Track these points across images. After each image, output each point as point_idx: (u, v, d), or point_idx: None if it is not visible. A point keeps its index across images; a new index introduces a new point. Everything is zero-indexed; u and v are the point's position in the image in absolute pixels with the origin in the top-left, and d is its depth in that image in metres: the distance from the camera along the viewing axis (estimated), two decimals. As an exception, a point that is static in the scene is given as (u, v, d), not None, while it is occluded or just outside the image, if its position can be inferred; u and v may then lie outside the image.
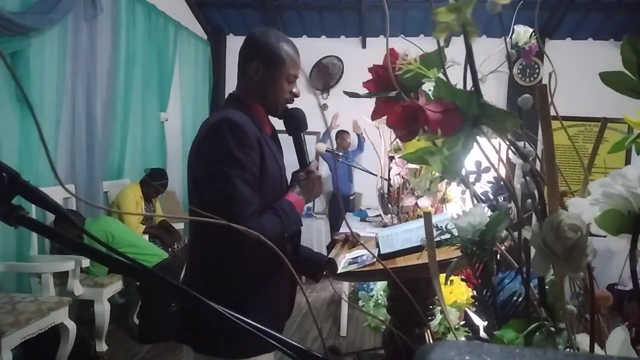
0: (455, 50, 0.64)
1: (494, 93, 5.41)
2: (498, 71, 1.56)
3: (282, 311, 1.48)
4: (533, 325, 0.48)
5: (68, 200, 3.63)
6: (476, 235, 0.59)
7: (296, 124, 1.46)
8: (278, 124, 1.50)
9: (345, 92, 0.69)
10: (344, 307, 3.96)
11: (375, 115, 0.75)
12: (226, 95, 5.15)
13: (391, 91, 0.68)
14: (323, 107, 5.84)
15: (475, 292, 0.66)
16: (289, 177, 1.48)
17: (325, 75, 5.81)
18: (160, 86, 4.92)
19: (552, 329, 0.49)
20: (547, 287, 0.48)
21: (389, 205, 2.03)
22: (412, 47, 0.63)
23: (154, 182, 4.13)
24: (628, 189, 0.45)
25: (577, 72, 5.13)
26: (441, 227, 0.64)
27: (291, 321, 4.26)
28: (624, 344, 0.50)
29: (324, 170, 5.70)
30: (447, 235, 0.68)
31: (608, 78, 0.42)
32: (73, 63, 3.68)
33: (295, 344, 0.50)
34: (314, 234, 5.20)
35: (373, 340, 3.68)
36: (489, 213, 0.67)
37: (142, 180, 4.16)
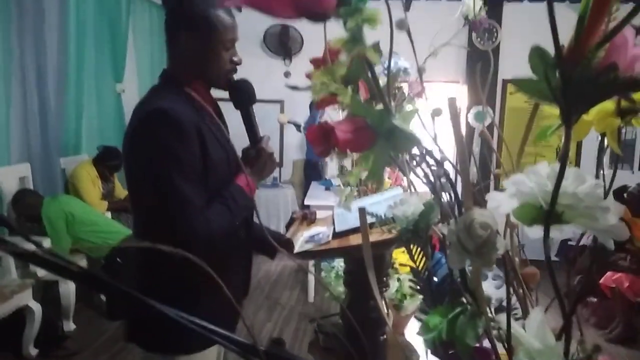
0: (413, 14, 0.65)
1: (454, 57, 5.46)
2: (451, 44, 1.58)
3: (238, 294, 1.44)
4: (456, 311, 0.52)
5: (24, 180, 3.52)
6: (410, 224, 0.63)
7: (243, 97, 1.34)
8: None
9: (287, 86, 0.69)
10: (311, 277, 4.06)
11: (320, 105, 0.76)
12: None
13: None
14: (286, 75, 5.76)
15: (413, 275, 0.70)
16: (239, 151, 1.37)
17: (287, 41, 5.70)
18: (114, 56, 4.72)
19: (475, 312, 0.54)
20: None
21: (349, 179, 2.07)
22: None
23: (106, 162, 4.02)
24: (539, 186, 0.48)
25: (534, 34, 5.21)
26: (378, 215, 0.67)
27: (259, 290, 4.35)
28: (541, 325, 0.55)
29: (293, 137, 5.65)
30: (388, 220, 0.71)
31: (520, 84, 0.45)
32: (19, 37, 3.50)
33: (239, 339, 0.53)
34: (280, 203, 5.23)
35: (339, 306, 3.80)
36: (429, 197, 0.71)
37: (95, 159, 4.05)
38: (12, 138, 3.49)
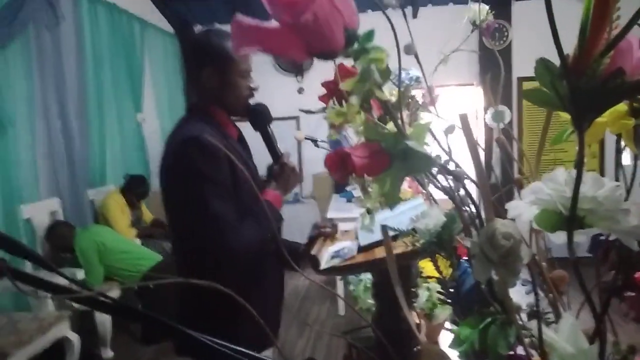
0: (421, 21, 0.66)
1: (466, 59, 5.43)
2: (461, 49, 1.58)
3: (276, 309, 1.52)
4: (486, 321, 0.53)
5: (55, 214, 3.62)
6: (433, 237, 0.64)
7: (260, 119, 1.46)
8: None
9: (301, 110, 0.72)
10: (340, 286, 4.05)
11: (335, 128, 0.79)
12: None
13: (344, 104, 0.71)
14: (299, 91, 5.82)
15: (440, 286, 0.70)
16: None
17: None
18: (132, 87, 4.86)
19: (505, 321, 0.54)
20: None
21: (369, 190, 2.08)
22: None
23: (134, 190, 4.13)
24: (558, 193, 0.49)
25: (545, 28, 5.15)
26: (400, 229, 0.68)
27: (289, 306, 4.35)
28: (573, 329, 0.55)
29: (312, 152, 5.66)
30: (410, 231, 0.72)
31: (529, 95, 0.46)
32: (40, 74, 3.63)
33: (264, 358, 0.54)
34: (302, 218, 5.25)
35: (370, 317, 3.77)
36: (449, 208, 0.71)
37: (122, 188, 4.15)
38: (40, 174, 3.61)
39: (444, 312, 1.55)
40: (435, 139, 0.43)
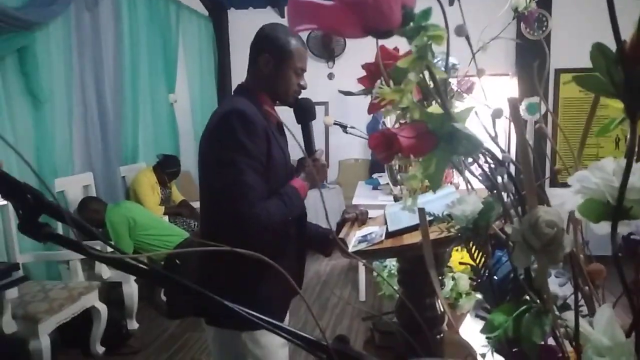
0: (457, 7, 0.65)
1: (503, 48, 5.31)
2: (500, 37, 1.54)
3: (289, 291, 1.55)
4: (521, 308, 0.52)
5: (87, 188, 3.73)
6: (470, 223, 0.63)
7: (305, 114, 1.55)
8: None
9: (341, 91, 0.72)
10: (362, 272, 4.06)
11: (372, 109, 0.78)
12: (232, 71, 5.11)
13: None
14: (329, 76, 5.80)
15: (473, 274, 0.70)
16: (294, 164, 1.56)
17: (330, 44, 5.73)
18: (166, 68, 4.93)
19: (541, 309, 0.54)
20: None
21: (398, 177, 2.07)
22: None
23: (166, 169, 4.21)
24: (605, 182, 0.48)
25: (587, 21, 4.99)
26: (435, 214, 0.68)
27: (310, 289, 4.40)
28: (610, 321, 0.54)
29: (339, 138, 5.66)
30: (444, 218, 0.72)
31: (583, 81, 0.45)
32: (79, 53, 3.71)
33: (305, 335, 0.55)
34: (328, 203, 5.26)
35: (391, 304, 3.78)
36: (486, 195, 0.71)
37: (155, 167, 4.25)
38: (74, 149, 3.71)
39: (468, 302, 1.55)
40: (481, 123, 0.43)
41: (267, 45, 1.47)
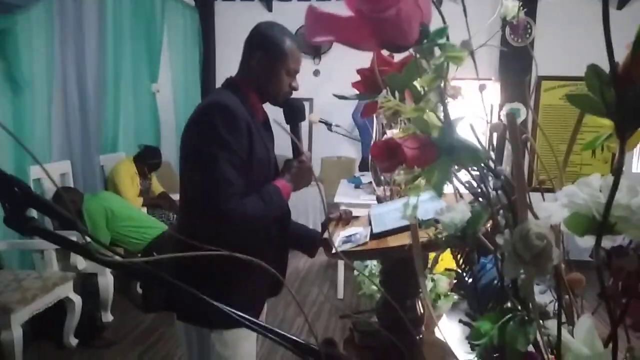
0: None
1: (486, 54, 5.38)
2: (487, 45, 1.57)
3: (266, 289, 1.56)
4: (506, 317, 0.54)
5: (65, 176, 3.66)
6: (458, 231, 0.65)
7: (295, 114, 1.52)
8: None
9: (335, 95, 0.72)
10: (341, 270, 4.08)
11: (365, 114, 0.79)
12: (217, 63, 5.04)
13: (378, 92, 0.71)
14: (315, 73, 5.79)
15: (457, 280, 0.71)
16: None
17: (317, 40, 5.72)
18: (149, 57, 4.86)
19: (525, 318, 0.55)
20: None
21: (382, 178, 2.09)
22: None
23: (147, 160, 4.15)
24: (592, 198, 0.50)
25: (570, 30, 5.09)
26: (422, 219, 0.69)
27: (289, 286, 4.40)
28: (589, 332, 0.56)
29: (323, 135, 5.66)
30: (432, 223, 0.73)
31: (575, 100, 0.46)
32: (61, 39, 3.63)
33: (294, 337, 0.56)
34: (309, 200, 5.27)
35: (369, 303, 3.81)
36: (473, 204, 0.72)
37: (136, 157, 4.18)
38: (53, 136, 3.63)
39: (446, 304, 1.57)
40: (476, 137, 0.44)
41: (261, 43, 1.46)
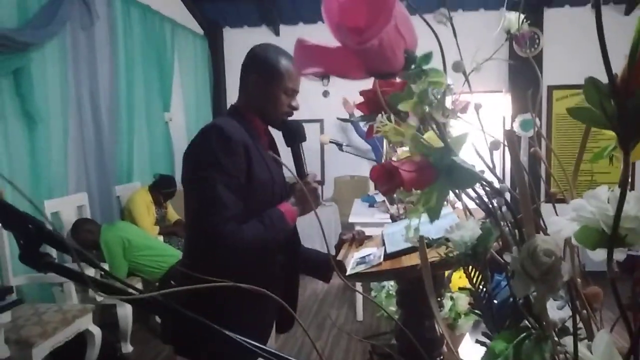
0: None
1: (495, 66, 5.38)
2: (494, 58, 1.57)
3: (268, 321, 1.49)
4: (521, 335, 0.53)
5: (82, 209, 3.71)
6: (468, 249, 0.64)
7: (293, 136, 1.50)
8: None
9: (339, 119, 0.73)
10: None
11: (369, 134, 0.79)
12: (227, 89, 5.11)
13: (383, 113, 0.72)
14: (324, 94, 5.84)
15: (472, 299, 0.70)
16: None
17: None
18: (161, 86, 4.95)
19: (541, 336, 0.54)
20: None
21: (394, 196, 2.08)
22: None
23: (162, 189, 4.20)
24: (600, 211, 0.49)
25: (579, 38, 5.08)
26: (432, 238, 0.68)
27: (307, 309, 4.37)
28: (608, 347, 0.54)
29: (335, 155, 5.68)
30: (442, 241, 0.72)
31: (576, 113, 0.46)
32: (75, 73, 3.73)
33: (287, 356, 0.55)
34: (324, 221, 5.26)
35: (389, 324, 3.75)
36: (482, 221, 0.71)
37: (151, 187, 4.24)
38: (69, 169, 3.70)
39: (467, 323, 1.54)
40: (477, 153, 0.44)
41: (256, 65, 1.46)
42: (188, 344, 1.39)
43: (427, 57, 0.41)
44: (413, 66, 0.40)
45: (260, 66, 1.45)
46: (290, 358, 0.56)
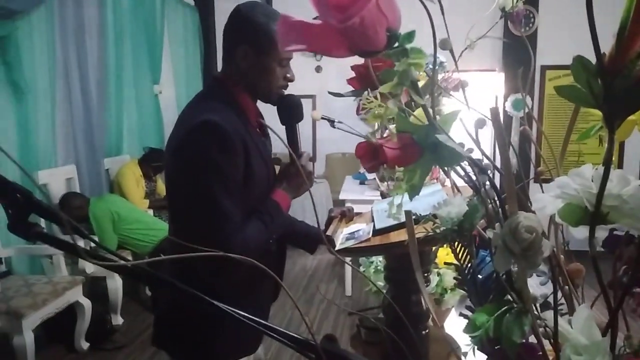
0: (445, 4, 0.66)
1: (489, 45, 5.35)
2: (487, 36, 1.56)
3: (267, 299, 1.47)
4: (502, 309, 0.54)
5: (70, 181, 3.69)
6: (455, 225, 0.65)
7: (291, 114, 1.33)
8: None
9: (330, 92, 0.73)
10: (348, 267, 4.08)
11: (360, 111, 0.79)
12: (218, 62, 4.98)
13: (374, 88, 0.72)
14: (317, 69, 5.79)
15: (458, 273, 0.72)
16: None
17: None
18: (151, 58, 4.87)
19: (521, 310, 0.56)
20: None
21: (384, 173, 2.09)
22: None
23: (152, 163, 4.17)
24: (584, 188, 0.50)
25: (574, 18, 5.04)
26: (420, 214, 0.69)
27: (296, 284, 4.42)
28: (587, 321, 0.56)
29: (326, 132, 5.66)
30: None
31: (563, 91, 0.47)
32: (62, 43, 3.65)
33: (294, 334, 0.56)
34: (315, 197, 5.28)
35: (377, 299, 3.81)
36: (470, 197, 0.72)
37: (140, 160, 4.21)
38: (58, 141, 3.65)
39: (453, 298, 1.58)
40: (467, 131, 0.44)
41: (244, 34, 1.25)
42: (184, 347, 1.32)
43: (410, 35, 0.41)
44: (396, 45, 0.40)
45: (250, 35, 1.24)
46: (294, 333, 0.56)
